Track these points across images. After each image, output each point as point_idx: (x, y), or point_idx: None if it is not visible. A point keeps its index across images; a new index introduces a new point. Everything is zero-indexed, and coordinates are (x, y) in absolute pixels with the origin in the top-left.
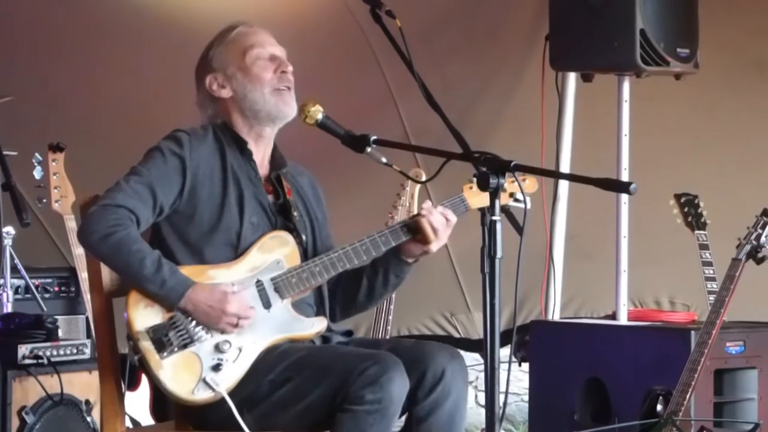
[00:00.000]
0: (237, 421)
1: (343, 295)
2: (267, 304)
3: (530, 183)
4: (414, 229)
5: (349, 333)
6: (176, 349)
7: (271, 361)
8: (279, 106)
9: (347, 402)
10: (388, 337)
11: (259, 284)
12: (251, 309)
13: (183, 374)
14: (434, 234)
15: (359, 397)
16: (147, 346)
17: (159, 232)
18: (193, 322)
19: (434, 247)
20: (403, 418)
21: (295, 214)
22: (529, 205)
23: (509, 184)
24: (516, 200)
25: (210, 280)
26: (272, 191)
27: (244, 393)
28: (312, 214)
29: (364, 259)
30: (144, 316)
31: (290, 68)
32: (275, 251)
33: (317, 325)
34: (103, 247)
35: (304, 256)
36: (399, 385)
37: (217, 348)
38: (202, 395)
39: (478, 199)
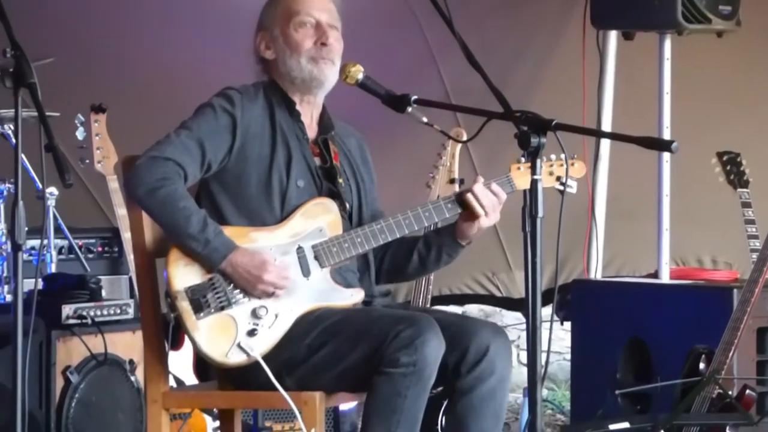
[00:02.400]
0: (279, 382)
1: (392, 264)
2: (306, 272)
3: (578, 167)
4: (461, 203)
5: (387, 293)
6: (213, 311)
7: (307, 325)
8: (314, 74)
9: (383, 365)
10: (429, 296)
11: (300, 251)
12: (287, 280)
13: (218, 337)
14: (482, 209)
15: (394, 360)
16: (185, 306)
17: (208, 189)
18: (232, 285)
19: (485, 222)
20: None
21: (341, 180)
22: (574, 190)
23: (558, 167)
24: (562, 184)
25: (252, 242)
26: (319, 154)
27: (282, 357)
28: (358, 176)
29: (406, 233)
30: (183, 275)
31: (331, 38)
32: (318, 218)
33: (355, 296)
34: (149, 200)
35: (349, 221)
36: (434, 347)
37: (254, 313)
38: (236, 359)
39: (526, 179)
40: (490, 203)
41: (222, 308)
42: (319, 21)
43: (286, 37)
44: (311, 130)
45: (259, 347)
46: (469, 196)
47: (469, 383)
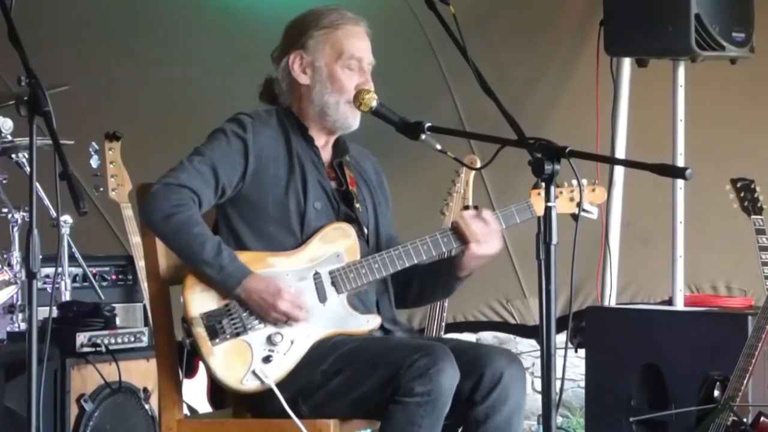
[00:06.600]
0: (294, 410)
1: (394, 292)
2: (323, 298)
3: (599, 192)
4: (455, 231)
5: (409, 329)
6: (228, 336)
7: (323, 352)
8: (348, 121)
9: (398, 394)
10: (444, 324)
11: (317, 276)
12: (302, 311)
13: (233, 363)
14: (472, 236)
15: (409, 390)
16: (200, 332)
17: (225, 215)
18: (247, 311)
19: (476, 249)
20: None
21: (358, 205)
22: (595, 216)
23: (578, 193)
24: (583, 210)
25: (269, 267)
26: (335, 178)
27: (297, 384)
28: (376, 200)
29: (424, 259)
30: (200, 300)
31: (372, 88)
32: (336, 243)
33: (371, 322)
34: (164, 227)
35: (366, 244)
36: (449, 377)
37: (269, 340)
38: (251, 385)
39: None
40: (481, 231)
41: (237, 334)
42: (363, 69)
43: (332, 75)
44: (325, 153)
45: (274, 374)
46: (460, 223)
47: (484, 412)
